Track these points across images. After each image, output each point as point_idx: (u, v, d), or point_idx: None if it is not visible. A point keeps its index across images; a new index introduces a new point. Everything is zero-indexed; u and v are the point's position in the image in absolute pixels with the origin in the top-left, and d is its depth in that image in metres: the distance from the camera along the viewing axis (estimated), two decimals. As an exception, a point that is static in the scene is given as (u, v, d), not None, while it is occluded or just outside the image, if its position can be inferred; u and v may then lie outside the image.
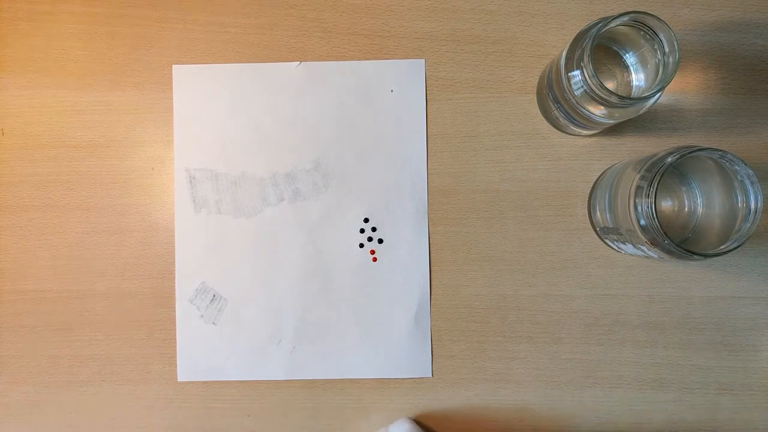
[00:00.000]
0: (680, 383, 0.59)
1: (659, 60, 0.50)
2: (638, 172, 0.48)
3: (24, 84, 0.61)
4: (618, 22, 0.48)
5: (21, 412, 0.60)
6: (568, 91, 0.51)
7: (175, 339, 0.60)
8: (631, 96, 0.49)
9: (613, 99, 0.48)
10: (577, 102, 0.51)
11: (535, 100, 0.60)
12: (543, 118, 0.60)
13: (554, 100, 0.55)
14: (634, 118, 0.53)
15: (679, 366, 0.59)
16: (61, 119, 0.61)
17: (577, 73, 0.49)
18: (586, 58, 0.47)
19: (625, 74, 0.54)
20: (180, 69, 0.61)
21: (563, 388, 0.59)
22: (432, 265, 0.60)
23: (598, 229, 0.58)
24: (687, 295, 0.59)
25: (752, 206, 0.47)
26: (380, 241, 0.60)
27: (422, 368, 0.59)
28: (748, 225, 0.47)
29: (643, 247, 0.50)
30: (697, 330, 0.59)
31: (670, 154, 0.47)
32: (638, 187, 0.48)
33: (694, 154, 0.46)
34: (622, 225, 0.51)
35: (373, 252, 0.60)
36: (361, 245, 0.60)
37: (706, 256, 0.46)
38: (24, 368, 0.60)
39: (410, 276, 0.59)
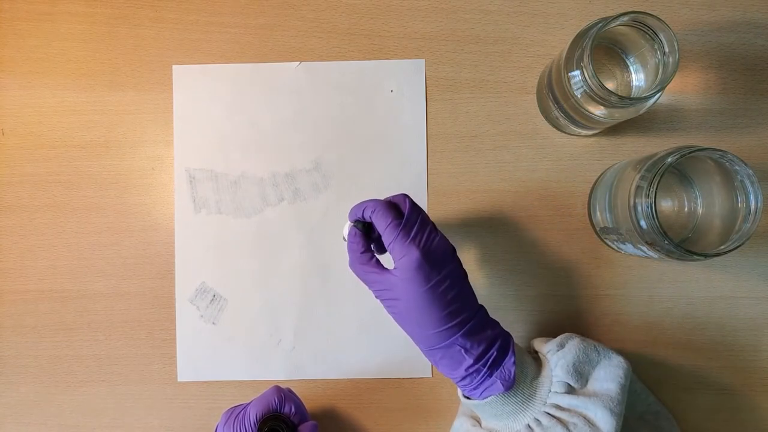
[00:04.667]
0: (680, 383, 0.59)
1: (659, 60, 0.50)
2: (638, 172, 0.48)
3: (24, 84, 0.61)
4: (618, 22, 0.48)
5: (21, 412, 0.60)
6: (568, 91, 0.51)
7: (175, 339, 0.60)
8: (631, 96, 0.49)
9: (613, 99, 0.48)
10: (577, 102, 0.51)
11: (535, 100, 0.60)
12: (543, 118, 0.60)
13: (554, 100, 0.55)
14: (634, 118, 0.53)
15: (679, 366, 0.59)
16: (61, 119, 0.61)
17: (577, 73, 0.49)
18: (586, 58, 0.47)
19: (625, 74, 0.54)
20: (180, 69, 0.61)
21: (563, 388, 0.59)
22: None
23: (598, 229, 0.58)
24: (687, 295, 0.59)
25: (752, 206, 0.47)
26: (380, 241, 0.60)
27: (422, 368, 0.59)
28: (748, 225, 0.47)
29: (643, 247, 0.50)
30: (698, 330, 0.59)
31: (670, 154, 0.47)
32: (638, 187, 0.48)
33: (694, 154, 0.46)
34: (622, 225, 0.51)
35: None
36: (361, 245, 0.60)
37: (706, 256, 0.46)
38: (24, 368, 0.60)
39: (410, 276, 0.59)
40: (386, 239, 0.47)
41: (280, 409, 0.52)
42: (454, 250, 0.48)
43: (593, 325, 0.59)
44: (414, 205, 0.48)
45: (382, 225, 0.47)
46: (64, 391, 0.60)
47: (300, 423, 0.52)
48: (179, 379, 0.60)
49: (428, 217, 0.48)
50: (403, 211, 0.47)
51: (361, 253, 0.49)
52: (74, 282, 0.60)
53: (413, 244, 0.46)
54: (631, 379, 0.50)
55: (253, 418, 0.50)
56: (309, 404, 0.59)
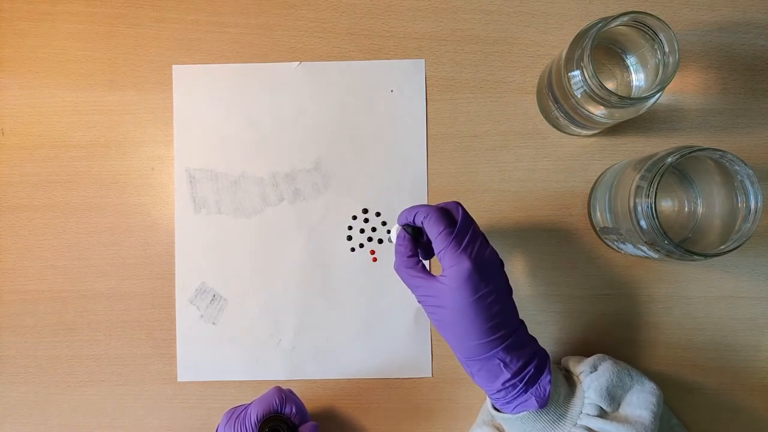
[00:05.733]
0: (680, 383, 0.58)
1: (659, 60, 0.50)
2: (638, 172, 0.48)
3: (24, 84, 0.61)
4: (618, 22, 0.48)
5: (21, 412, 0.60)
6: (568, 91, 0.51)
7: (175, 339, 0.60)
8: (631, 96, 0.49)
9: (613, 99, 0.48)
10: (577, 102, 0.51)
11: (535, 100, 0.60)
12: (543, 118, 0.60)
13: (554, 100, 0.55)
14: (634, 118, 0.53)
15: (679, 366, 0.59)
16: (61, 119, 0.61)
17: (577, 73, 0.49)
18: (586, 58, 0.47)
19: (625, 74, 0.54)
20: (180, 69, 0.61)
21: (563, 388, 0.59)
22: (432, 264, 0.59)
23: (598, 229, 0.58)
24: (687, 295, 0.59)
25: (752, 206, 0.47)
26: (380, 241, 0.60)
27: (422, 368, 0.59)
28: (748, 225, 0.47)
29: (643, 247, 0.50)
30: (697, 330, 0.59)
31: (670, 154, 0.47)
32: (638, 187, 0.48)
33: (694, 154, 0.46)
34: (622, 225, 0.51)
35: (372, 252, 0.60)
36: (361, 245, 0.60)
37: (706, 256, 0.46)
38: (24, 368, 0.60)
39: (410, 276, 0.59)
40: (437, 246, 0.47)
41: (281, 409, 0.52)
42: (502, 264, 0.48)
43: (593, 325, 0.59)
44: (466, 215, 0.48)
45: (434, 232, 0.47)
46: (64, 391, 0.60)
47: (300, 423, 0.52)
48: (179, 379, 0.60)
49: (479, 227, 0.48)
50: (456, 219, 0.47)
51: (408, 257, 0.49)
52: (74, 282, 0.60)
53: (465, 254, 0.46)
54: None
55: (253, 419, 0.50)
56: (309, 404, 0.59)
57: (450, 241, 0.46)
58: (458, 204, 0.49)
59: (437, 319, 0.47)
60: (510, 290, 0.48)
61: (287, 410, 0.52)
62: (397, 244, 0.50)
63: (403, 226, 0.50)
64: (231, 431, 0.51)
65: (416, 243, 0.50)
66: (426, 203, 0.49)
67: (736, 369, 0.59)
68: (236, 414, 0.52)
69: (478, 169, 0.60)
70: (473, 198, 0.60)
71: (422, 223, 0.48)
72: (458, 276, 0.45)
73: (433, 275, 0.48)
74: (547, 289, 0.59)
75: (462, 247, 0.46)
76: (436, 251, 0.47)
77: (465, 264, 0.45)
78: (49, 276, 0.61)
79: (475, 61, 0.60)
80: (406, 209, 0.50)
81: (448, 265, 0.46)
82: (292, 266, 0.60)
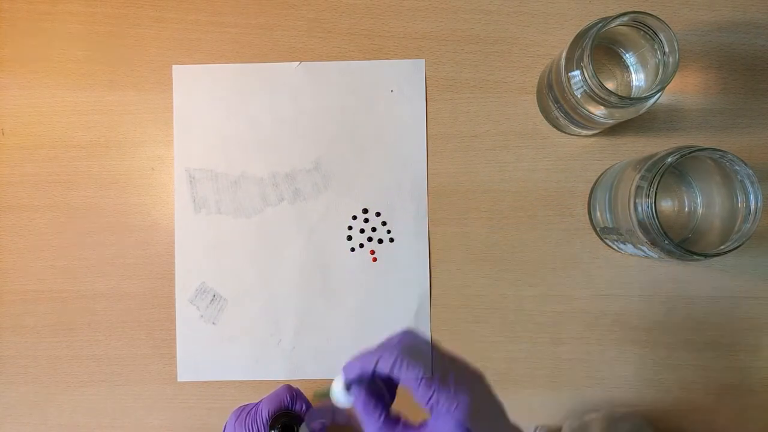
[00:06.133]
0: (680, 383, 0.58)
1: (659, 60, 0.50)
2: (638, 172, 0.48)
3: (24, 84, 0.61)
4: (618, 23, 0.48)
5: (21, 412, 0.60)
6: (568, 91, 0.51)
7: (175, 339, 0.60)
8: (631, 96, 0.49)
9: (613, 99, 0.48)
10: (577, 102, 0.51)
11: (535, 100, 0.60)
12: (543, 118, 0.60)
13: (554, 100, 0.55)
14: (634, 118, 0.53)
15: (679, 366, 0.59)
16: (61, 119, 0.61)
17: (577, 73, 0.49)
18: (586, 58, 0.47)
19: (625, 74, 0.54)
20: (180, 69, 0.61)
21: (563, 388, 0.59)
22: (432, 265, 0.59)
23: (598, 229, 0.58)
24: (687, 295, 0.59)
25: (752, 206, 0.47)
26: (380, 241, 0.60)
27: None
28: (748, 225, 0.47)
29: (643, 247, 0.50)
30: (697, 330, 0.59)
31: (670, 154, 0.47)
32: (638, 187, 0.48)
33: (694, 154, 0.46)
34: (622, 225, 0.51)
35: (373, 252, 0.60)
36: (361, 245, 0.60)
37: (706, 256, 0.46)
38: (24, 368, 0.60)
39: (410, 276, 0.59)
40: (425, 393, 0.38)
41: (292, 406, 0.52)
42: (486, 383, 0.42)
43: (593, 325, 0.59)
44: (437, 350, 0.40)
45: (414, 378, 0.38)
46: (63, 391, 0.60)
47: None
48: (179, 379, 0.60)
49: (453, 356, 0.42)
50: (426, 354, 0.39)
51: (384, 420, 0.39)
52: (74, 282, 0.60)
53: (461, 390, 0.38)
54: None
55: (265, 415, 0.51)
56: (309, 404, 0.59)
57: (437, 382, 0.38)
58: (408, 333, 0.40)
59: None
60: (501, 409, 0.41)
61: (297, 407, 0.52)
62: (364, 413, 0.39)
63: (355, 383, 0.39)
64: (242, 428, 0.51)
65: (383, 397, 0.40)
66: (372, 347, 0.40)
67: (736, 369, 0.58)
68: (246, 410, 0.52)
69: (478, 169, 0.60)
70: (473, 198, 0.60)
71: (396, 373, 0.38)
72: (465, 412, 0.38)
73: (421, 425, 0.40)
74: (547, 289, 0.59)
75: (453, 381, 0.38)
76: (422, 400, 0.38)
77: (464, 400, 0.38)
78: (49, 276, 0.61)
79: (475, 61, 0.60)
80: (354, 360, 0.40)
81: (449, 406, 0.38)
82: (292, 266, 0.60)
